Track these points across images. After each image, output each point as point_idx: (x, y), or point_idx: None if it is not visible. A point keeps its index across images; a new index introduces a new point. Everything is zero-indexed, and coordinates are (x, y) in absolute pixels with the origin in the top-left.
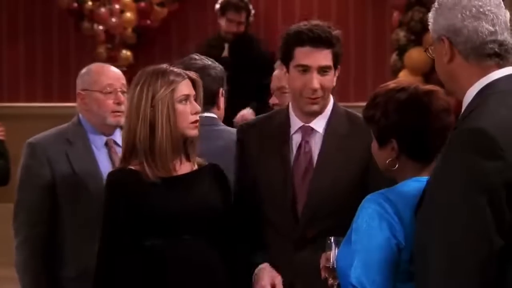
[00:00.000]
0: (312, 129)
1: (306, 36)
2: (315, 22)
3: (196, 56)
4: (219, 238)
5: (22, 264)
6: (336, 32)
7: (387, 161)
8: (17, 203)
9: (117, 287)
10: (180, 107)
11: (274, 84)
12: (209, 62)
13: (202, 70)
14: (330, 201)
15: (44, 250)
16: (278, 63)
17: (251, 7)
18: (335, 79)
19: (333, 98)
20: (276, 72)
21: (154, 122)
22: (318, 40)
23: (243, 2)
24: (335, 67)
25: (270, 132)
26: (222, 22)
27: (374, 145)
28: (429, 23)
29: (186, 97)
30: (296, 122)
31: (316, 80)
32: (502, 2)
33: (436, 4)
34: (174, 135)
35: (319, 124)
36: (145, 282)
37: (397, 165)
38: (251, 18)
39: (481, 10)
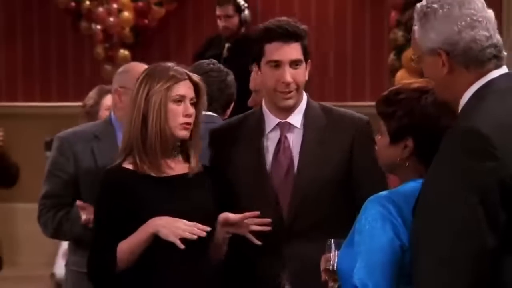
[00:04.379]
0: (290, 124)
1: (274, 32)
2: (282, 18)
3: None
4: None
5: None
6: (303, 26)
7: (398, 159)
8: (42, 195)
9: (108, 284)
10: (172, 106)
11: (251, 85)
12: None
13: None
14: (314, 195)
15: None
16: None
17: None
18: (307, 73)
19: (306, 94)
20: (253, 74)
21: (147, 116)
22: (286, 34)
23: None
24: (306, 61)
25: (244, 134)
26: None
27: (384, 140)
28: (415, 36)
29: (181, 98)
30: (272, 120)
31: (288, 74)
32: (484, 4)
33: (421, 15)
34: (163, 133)
35: (296, 119)
36: (134, 283)
37: (407, 164)
38: (246, 13)
39: (474, 18)
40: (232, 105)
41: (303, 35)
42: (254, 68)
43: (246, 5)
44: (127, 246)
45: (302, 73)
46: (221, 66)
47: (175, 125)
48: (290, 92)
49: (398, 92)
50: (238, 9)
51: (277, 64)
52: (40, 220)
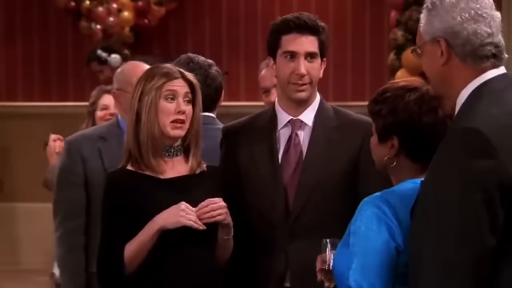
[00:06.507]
0: (302, 121)
1: (293, 23)
2: (301, 12)
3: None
4: (215, 242)
5: (60, 260)
6: (321, 23)
7: (385, 158)
8: (55, 201)
9: (117, 286)
10: (164, 103)
11: (263, 84)
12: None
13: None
14: (319, 192)
15: (81, 244)
16: (263, 64)
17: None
18: (321, 71)
19: (320, 95)
20: (262, 72)
21: (140, 117)
22: (304, 26)
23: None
24: (321, 57)
25: (256, 130)
26: None
27: (374, 139)
28: (421, 24)
29: (173, 94)
30: (284, 117)
31: (303, 66)
32: (493, 3)
33: (429, 4)
34: (153, 134)
35: (308, 117)
36: (142, 284)
37: (394, 163)
38: (111, 59)
39: (479, 12)
40: (221, 97)
41: (321, 30)
42: (270, 62)
43: (105, 54)
44: (134, 246)
45: (317, 68)
46: (201, 60)
47: (166, 123)
48: (303, 84)
49: (385, 91)
50: (101, 62)
51: (292, 55)
52: (57, 251)
